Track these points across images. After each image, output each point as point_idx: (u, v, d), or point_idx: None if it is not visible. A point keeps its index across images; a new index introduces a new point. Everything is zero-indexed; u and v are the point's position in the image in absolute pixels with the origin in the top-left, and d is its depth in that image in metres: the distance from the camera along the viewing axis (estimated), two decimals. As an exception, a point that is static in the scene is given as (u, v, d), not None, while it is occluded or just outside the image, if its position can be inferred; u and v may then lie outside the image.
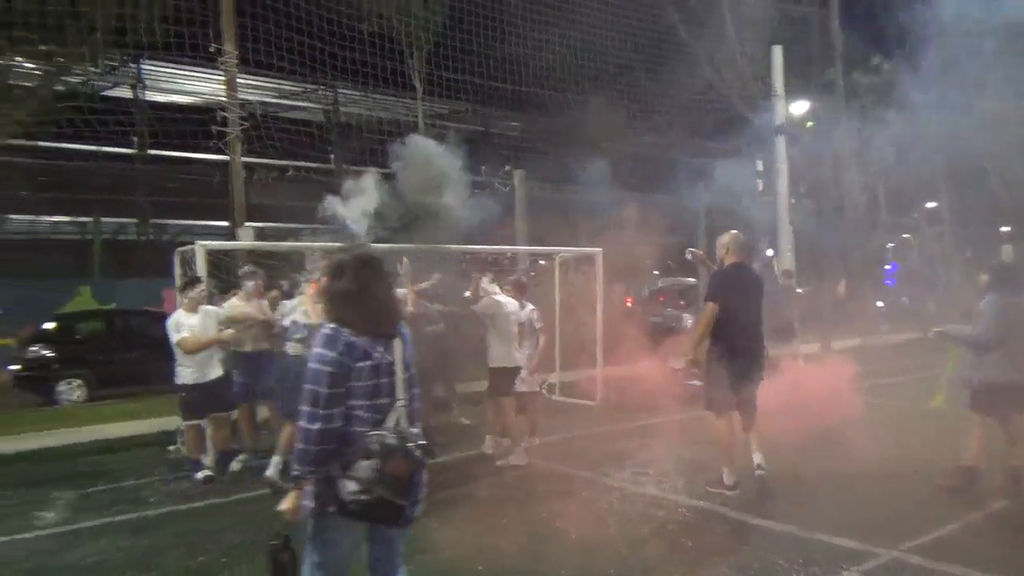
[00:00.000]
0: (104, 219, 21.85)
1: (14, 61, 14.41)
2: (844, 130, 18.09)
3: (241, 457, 7.29)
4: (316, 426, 2.77)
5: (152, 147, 20.10)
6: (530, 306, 7.85)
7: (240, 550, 5.00)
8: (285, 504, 2.85)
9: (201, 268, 7.17)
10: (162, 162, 20.84)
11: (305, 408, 2.80)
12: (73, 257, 20.93)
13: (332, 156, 20.40)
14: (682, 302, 19.08)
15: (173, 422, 8.54)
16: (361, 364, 2.86)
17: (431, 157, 7.54)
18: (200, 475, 6.79)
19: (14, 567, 4.84)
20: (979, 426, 5.76)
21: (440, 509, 5.69)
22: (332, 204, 6.86)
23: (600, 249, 10.37)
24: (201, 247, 7.19)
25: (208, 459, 7.04)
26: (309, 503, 2.85)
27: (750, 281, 6.07)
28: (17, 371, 12.33)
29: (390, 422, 2.92)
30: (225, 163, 21.50)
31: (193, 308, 6.70)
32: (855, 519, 5.14)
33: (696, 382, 10.57)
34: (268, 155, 16.78)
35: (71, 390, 12.03)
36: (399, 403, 2.95)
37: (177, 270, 7.82)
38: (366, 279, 2.97)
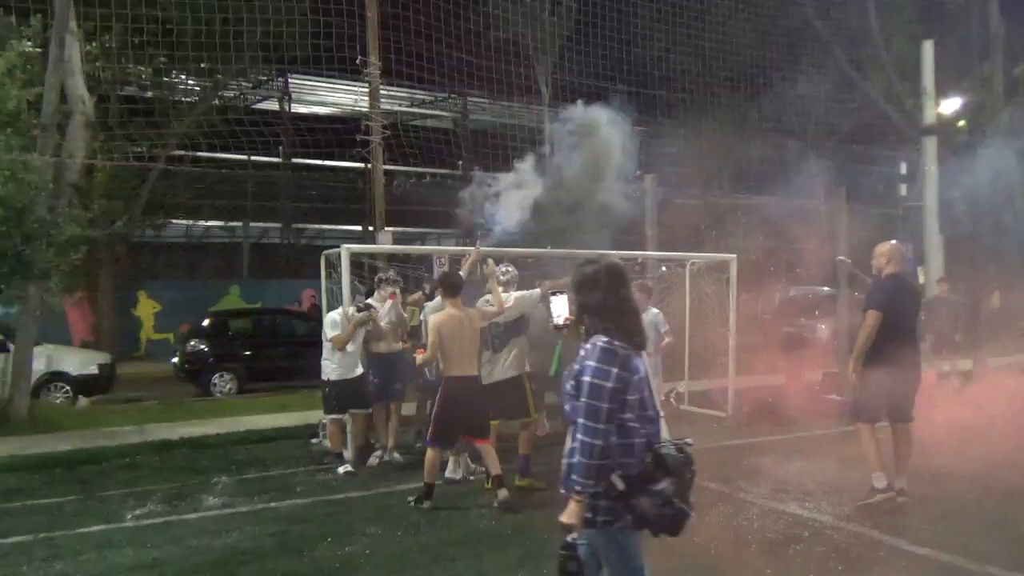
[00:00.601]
0: (251, 223, 23.42)
1: (178, 79, 15.76)
2: (1002, 129, 16.67)
3: (377, 453, 7.60)
4: (599, 441, 2.77)
5: (294, 156, 21.38)
6: (654, 310, 7.81)
7: (382, 543, 5.20)
8: (569, 516, 2.82)
9: (345, 269, 7.53)
10: (303, 170, 22.12)
11: (587, 423, 2.78)
12: (224, 259, 22.53)
13: (460, 162, 20.91)
14: (816, 312, 18.14)
15: (315, 416, 9.03)
16: (636, 377, 2.87)
17: (601, 129, 7.34)
18: (341, 469, 7.12)
19: (182, 544, 5.25)
20: None
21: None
22: (478, 202, 6.99)
23: (735, 255, 10.07)
24: (346, 250, 7.56)
25: (348, 453, 7.39)
26: (595, 515, 2.85)
27: (909, 292, 6.17)
28: (178, 363, 13.41)
29: (664, 434, 2.95)
30: (359, 170, 22.61)
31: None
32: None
33: (836, 396, 10.10)
34: (400, 162, 17.42)
35: (224, 383, 12.96)
36: (661, 415, 2.98)
37: (323, 271, 8.28)
38: (620, 290, 2.97)
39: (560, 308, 3.36)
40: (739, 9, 17.91)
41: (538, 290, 6.75)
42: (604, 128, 7.40)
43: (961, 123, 16.64)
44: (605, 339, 2.85)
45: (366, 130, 10.45)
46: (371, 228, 21.24)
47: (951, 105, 16.27)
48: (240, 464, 7.61)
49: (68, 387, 11.50)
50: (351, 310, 7.16)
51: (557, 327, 3.39)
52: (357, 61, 10.61)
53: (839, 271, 10.32)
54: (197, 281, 21.04)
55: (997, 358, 13.41)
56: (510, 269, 6.69)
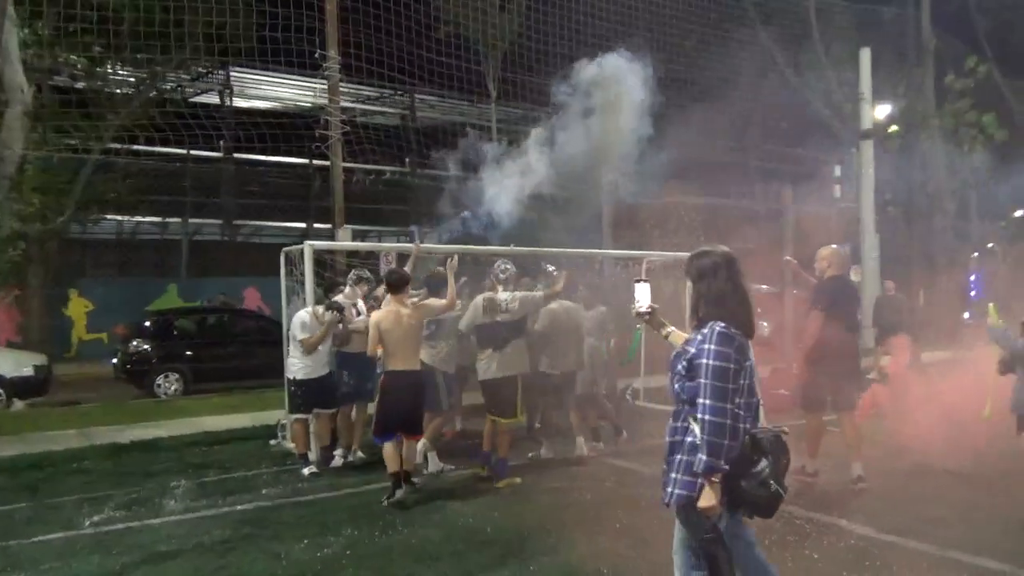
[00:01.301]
0: (189, 220, 22.67)
1: (113, 70, 15.14)
2: (932, 135, 17.54)
3: (340, 452, 7.47)
4: (729, 421, 2.85)
5: (235, 151, 20.81)
6: (602, 308, 7.97)
7: (361, 543, 5.11)
8: (707, 500, 2.86)
9: (308, 267, 7.37)
10: (243, 164, 21.54)
11: (715, 403, 2.86)
12: (160, 256, 21.76)
13: (407, 159, 20.75)
14: (758, 309, 18.69)
15: (270, 417, 8.84)
16: (748, 364, 2.97)
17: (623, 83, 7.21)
18: (306, 470, 6.96)
19: (150, 550, 5.04)
20: None
21: (550, 512, 5.74)
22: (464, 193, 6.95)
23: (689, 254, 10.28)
24: (309, 247, 7.41)
25: (313, 454, 7.24)
26: (691, 495, 2.92)
27: (850, 293, 6.66)
28: (118, 364, 12.87)
29: (761, 420, 3.05)
30: (302, 166, 22.12)
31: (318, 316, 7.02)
32: (998, 540, 4.93)
33: (783, 391, 10.42)
34: (350, 159, 17.16)
35: (168, 384, 12.51)
36: (760, 401, 3.07)
37: (283, 269, 8.09)
38: (737, 278, 3.08)
39: (643, 296, 3.44)
40: (682, 10, 18.27)
41: (541, 292, 6.80)
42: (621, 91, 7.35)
43: (893, 128, 17.44)
44: (723, 324, 2.96)
45: (325, 125, 10.24)
46: (316, 224, 20.91)
47: (883, 110, 17.04)
48: (198, 467, 7.37)
49: (1, 389, 10.93)
50: (320, 309, 7.02)
51: (639, 314, 3.46)
52: (316, 55, 10.39)
53: (785, 271, 10.69)
54: (132, 279, 20.29)
55: (925, 353, 14.07)
56: (509, 267, 6.66)
